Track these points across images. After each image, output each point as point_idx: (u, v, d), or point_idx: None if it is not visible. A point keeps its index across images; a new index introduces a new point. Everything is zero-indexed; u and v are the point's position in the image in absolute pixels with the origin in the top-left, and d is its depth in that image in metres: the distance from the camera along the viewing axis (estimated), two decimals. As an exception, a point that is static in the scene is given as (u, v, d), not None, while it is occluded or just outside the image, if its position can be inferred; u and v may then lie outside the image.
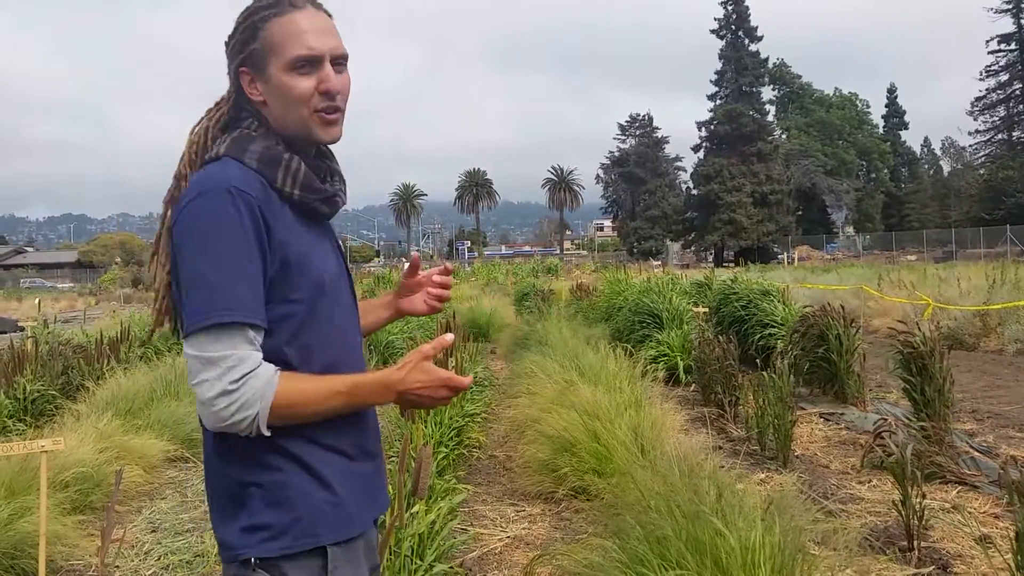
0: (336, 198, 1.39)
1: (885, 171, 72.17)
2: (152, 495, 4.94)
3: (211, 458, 1.31)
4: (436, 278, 1.67)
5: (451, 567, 3.39)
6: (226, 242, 1.21)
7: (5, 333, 16.04)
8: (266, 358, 1.24)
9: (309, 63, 1.30)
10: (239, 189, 1.24)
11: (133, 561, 3.85)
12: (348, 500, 1.31)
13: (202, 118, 1.40)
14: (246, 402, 1.18)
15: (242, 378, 1.18)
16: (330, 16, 1.36)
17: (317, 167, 1.39)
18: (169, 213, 1.34)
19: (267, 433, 1.21)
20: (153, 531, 4.28)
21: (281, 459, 1.26)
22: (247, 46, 1.32)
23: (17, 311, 24.76)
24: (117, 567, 3.75)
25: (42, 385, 6.67)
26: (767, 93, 67.84)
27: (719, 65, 64.90)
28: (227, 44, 1.37)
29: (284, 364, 1.26)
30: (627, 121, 74.93)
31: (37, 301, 18.70)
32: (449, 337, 1.36)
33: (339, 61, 1.34)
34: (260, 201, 1.25)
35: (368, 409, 1.40)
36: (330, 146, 1.46)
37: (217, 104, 1.40)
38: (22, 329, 14.33)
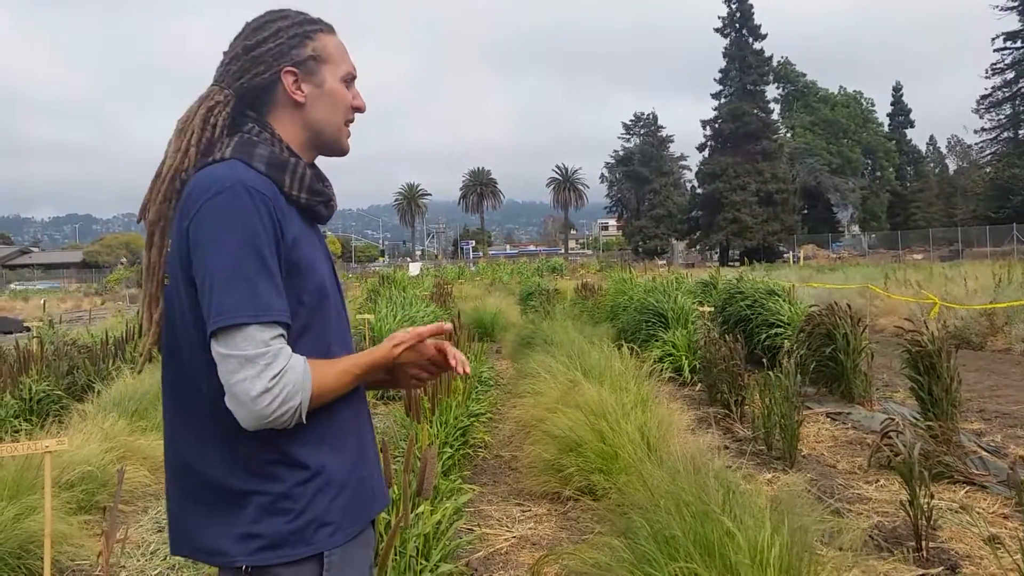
0: (332, 201, 1.45)
1: (891, 169, 71.82)
2: (159, 495, 4.93)
3: (209, 464, 1.28)
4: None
5: (457, 567, 3.38)
6: (250, 240, 1.22)
7: (11, 333, 16.10)
8: None
9: (351, 80, 1.46)
10: (256, 189, 1.26)
11: (139, 561, 3.85)
12: (347, 504, 1.32)
13: (196, 113, 1.36)
14: (287, 396, 1.20)
15: (279, 373, 1.19)
16: None
17: (317, 173, 1.44)
18: (171, 212, 1.35)
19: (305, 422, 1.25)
20: (159, 531, 4.28)
21: (285, 469, 1.26)
22: (298, 51, 1.39)
23: (23, 311, 24.82)
24: (123, 567, 3.75)
25: (47, 385, 6.67)
26: (771, 91, 67.57)
27: (723, 63, 64.64)
28: (257, 46, 1.37)
29: None
30: (631, 120, 75.00)
31: (43, 301, 18.76)
32: (447, 325, 1.45)
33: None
34: (273, 202, 1.28)
35: (364, 406, 1.46)
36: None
37: (219, 102, 1.37)
38: (28, 329, 14.36)
